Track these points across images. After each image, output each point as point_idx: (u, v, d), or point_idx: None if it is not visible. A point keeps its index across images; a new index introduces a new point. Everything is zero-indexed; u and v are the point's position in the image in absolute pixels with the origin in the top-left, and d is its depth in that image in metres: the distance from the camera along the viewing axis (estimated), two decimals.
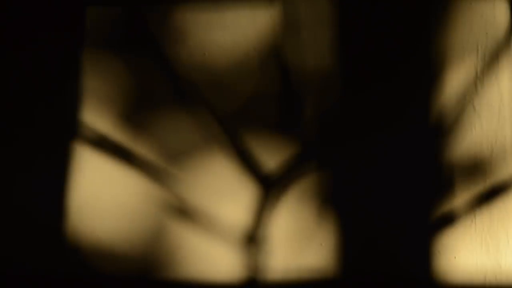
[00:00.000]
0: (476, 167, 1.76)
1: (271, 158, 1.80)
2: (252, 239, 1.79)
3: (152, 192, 1.82)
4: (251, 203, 1.79)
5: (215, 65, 1.85)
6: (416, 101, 1.79)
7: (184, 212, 1.81)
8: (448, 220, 1.74)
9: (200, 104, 1.84)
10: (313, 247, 1.77)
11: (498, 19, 1.80)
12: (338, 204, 1.78)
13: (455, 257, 1.73)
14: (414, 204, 1.75)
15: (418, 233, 1.74)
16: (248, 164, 1.81)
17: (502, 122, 1.76)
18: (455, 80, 1.79)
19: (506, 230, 1.73)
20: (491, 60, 1.78)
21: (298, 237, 1.77)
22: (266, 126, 1.81)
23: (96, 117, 1.86)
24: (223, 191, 1.80)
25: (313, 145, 1.80)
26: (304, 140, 1.80)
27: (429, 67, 1.80)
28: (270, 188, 1.80)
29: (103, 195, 1.83)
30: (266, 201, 1.79)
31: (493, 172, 1.75)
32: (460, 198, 1.75)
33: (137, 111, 1.85)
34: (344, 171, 1.78)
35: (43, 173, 1.85)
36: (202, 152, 1.82)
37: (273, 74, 1.83)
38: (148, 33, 1.88)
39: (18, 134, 1.88)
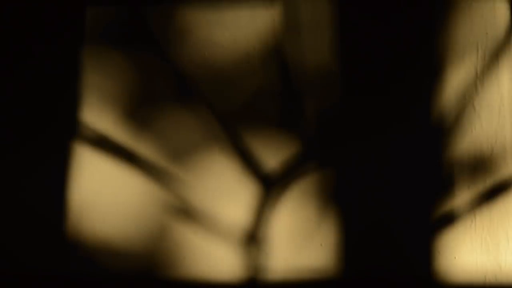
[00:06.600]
0: (476, 167, 1.76)
1: (272, 157, 1.80)
2: (253, 239, 1.78)
3: (152, 192, 1.82)
4: (251, 203, 1.79)
5: (216, 64, 1.85)
6: (416, 101, 1.79)
7: (184, 211, 1.81)
8: (448, 220, 1.74)
9: (200, 103, 1.84)
10: (313, 247, 1.77)
11: (498, 19, 1.80)
12: (339, 204, 1.77)
13: (455, 257, 1.73)
14: (414, 204, 1.75)
15: (419, 233, 1.74)
16: (249, 163, 1.80)
17: (502, 122, 1.77)
18: (455, 80, 1.79)
19: (506, 230, 1.73)
20: (491, 60, 1.79)
21: (298, 237, 1.77)
22: (267, 125, 1.81)
23: (96, 117, 1.86)
24: (223, 191, 1.80)
25: (314, 145, 1.80)
26: (305, 140, 1.80)
27: (429, 67, 1.80)
28: (270, 187, 1.80)
29: (104, 195, 1.82)
30: (266, 201, 1.79)
31: (493, 172, 1.75)
32: (460, 198, 1.75)
33: (137, 111, 1.85)
34: (344, 171, 1.78)
35: (44, 173, 1.85)
36: (203, 152, 1.82)
37: (274, 74, 1.83)
38: (148, 33, 1.88)
39: (18, 134, 1.88)
